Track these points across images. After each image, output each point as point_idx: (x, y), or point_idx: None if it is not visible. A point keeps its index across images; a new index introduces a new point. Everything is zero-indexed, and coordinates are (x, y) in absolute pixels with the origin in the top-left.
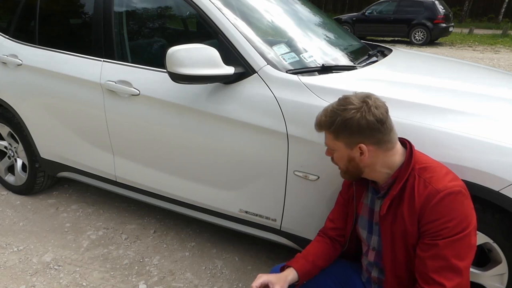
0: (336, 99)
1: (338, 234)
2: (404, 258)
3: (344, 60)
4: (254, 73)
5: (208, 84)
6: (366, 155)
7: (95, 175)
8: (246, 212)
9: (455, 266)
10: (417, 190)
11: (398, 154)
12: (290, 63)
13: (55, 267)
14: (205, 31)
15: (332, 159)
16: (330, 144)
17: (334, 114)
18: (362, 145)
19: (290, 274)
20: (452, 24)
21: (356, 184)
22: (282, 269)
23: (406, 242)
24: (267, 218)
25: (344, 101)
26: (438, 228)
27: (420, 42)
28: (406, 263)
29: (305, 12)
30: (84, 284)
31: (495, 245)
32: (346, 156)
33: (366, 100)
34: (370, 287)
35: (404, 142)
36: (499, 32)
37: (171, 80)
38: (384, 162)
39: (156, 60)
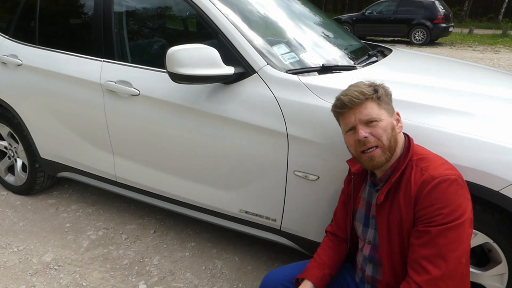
0: None
1: (346, 234)
2: (399, 248)
3: (344, 60)
4: (254, 73)
5: (208, 84)
6: (401, 122)
7: (95, 175)
8: (246, 212)
9: (446, 255)
10: (413, 178)
11: (402, 140)
12: (290, 63)
13: (55, 267)
14: (205, 31)
15: (366, 139)
16: (374, 114)
17: (370, 84)
18: (398, 112)
19: (307, 286)
20: (452, 24)
21: (354, 178)
22: (297, 281)
23: (402, 231)
24: (267, 218)
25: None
26: (431, 214)
27: (420, 42)
28: (401, 255)
29: (305, 12)
30: (84, 284)
31: (495, 245)
32: (390, 124)
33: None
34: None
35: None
36: (499, 32)
37: (171, 80)
38: (400, 141)
39: (156, 60)
